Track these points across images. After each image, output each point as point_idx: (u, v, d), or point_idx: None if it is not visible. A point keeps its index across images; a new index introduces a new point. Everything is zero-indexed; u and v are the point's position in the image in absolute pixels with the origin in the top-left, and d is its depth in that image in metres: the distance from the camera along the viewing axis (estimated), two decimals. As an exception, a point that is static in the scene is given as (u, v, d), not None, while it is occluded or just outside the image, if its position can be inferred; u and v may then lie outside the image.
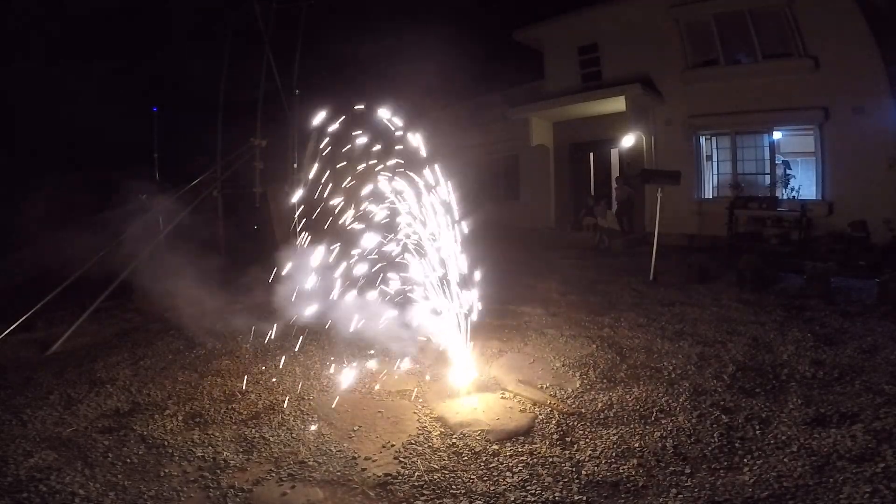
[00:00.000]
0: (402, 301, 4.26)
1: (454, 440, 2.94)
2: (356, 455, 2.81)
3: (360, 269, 4.11)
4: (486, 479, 2.56)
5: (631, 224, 11.17)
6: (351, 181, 4.04)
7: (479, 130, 14.03)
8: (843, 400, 3.23)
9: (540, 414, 3.25)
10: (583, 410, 3.28)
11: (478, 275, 3.92)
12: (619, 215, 11.09)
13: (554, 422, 3.14)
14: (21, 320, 4.88)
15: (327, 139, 4.03)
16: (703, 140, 11.06)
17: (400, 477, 2.59)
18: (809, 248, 8.56)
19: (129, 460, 2.77)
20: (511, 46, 14.36)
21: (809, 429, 2.87)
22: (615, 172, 12.70)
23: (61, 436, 3.05)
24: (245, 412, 3.37)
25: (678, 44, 10.97)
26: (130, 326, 5.48)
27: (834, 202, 9.24)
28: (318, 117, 3.97)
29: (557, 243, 11.49)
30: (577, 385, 3.68)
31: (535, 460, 2.71)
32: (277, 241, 5.54)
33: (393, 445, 2.91)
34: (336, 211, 4.14)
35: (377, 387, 3.75)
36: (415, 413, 3.32)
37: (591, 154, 13.10)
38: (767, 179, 10.26)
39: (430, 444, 2.92)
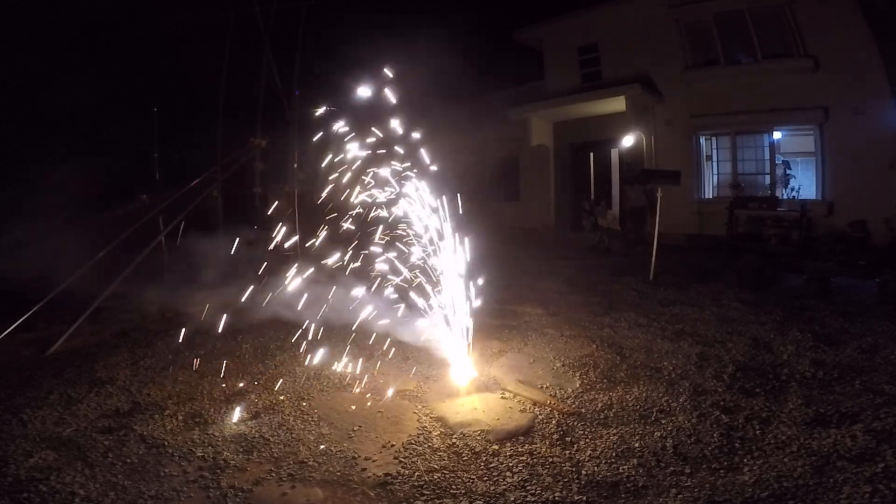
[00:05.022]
0: (403, 301, 4.26)
1: (454, 440, 2.94)
2: (356, 455, 2.81)
3: (363, 271, 4.13)
4: (486, 479, 2.56)
5: (637, 232, 10.53)
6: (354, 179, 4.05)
7: (479, 130, 14.02)
8: (843, 400, 3.23)
9: (540, 414, 3.25)
10: (583, 410, 3.28)
11: (479, 277, 3.92)
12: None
13: (554, 422, 3.14)
14: (21, 320, 4.88)
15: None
16: (703, 140, 11.06)
17: (400, 477, 2.59)
18: (809, 248, 8.56)
19: (129, 460, 2.77)
20: (511, 46, 14.38)
21: (809, 429, 2.87)
22: (615, 172, 12.69)
23: (61, 436, 3.05)
24: (245, 412, 3.37)
25: (678, 44, 10.97)
26: (130, 326, 5.47)
27: (834, 202, 9.25)
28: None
29: (557, 243, 11.49)
30: (577, 385, 3.68)
31: (535, 460, 2.71)
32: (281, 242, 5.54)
33: (393, 445, 2.91)
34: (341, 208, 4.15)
35: (377, 387, 3.75)
36: (415, 413, 3.32)
37: (591, 154, 13.10)
38: (767, 179, 10.27)
39: (430, 444, 2.92)
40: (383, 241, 4.05)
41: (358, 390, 3.72)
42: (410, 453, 2.82)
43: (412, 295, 4.08)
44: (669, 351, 4.28)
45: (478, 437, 2.95)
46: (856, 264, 7.52)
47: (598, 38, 12.39)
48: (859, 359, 3.92)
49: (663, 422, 3.07)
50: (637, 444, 2.81)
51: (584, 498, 2.37)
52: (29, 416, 3.29)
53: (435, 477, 2.58)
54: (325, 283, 4.64)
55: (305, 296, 4.67)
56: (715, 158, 11.09)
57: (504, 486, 2.48)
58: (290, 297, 4.63)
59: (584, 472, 2.57)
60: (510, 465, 2.67)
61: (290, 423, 3.20)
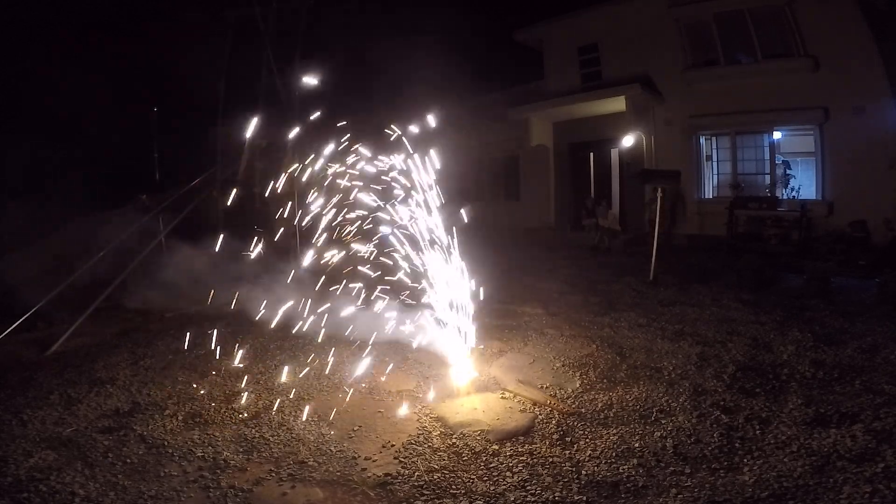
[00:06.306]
0: (403, 302, 4.26)
1: (454, 440, 2.94)
2: (356, 455, 2.81)
3: (362, 270, 4.13)
4: (486, 479, 2.56)
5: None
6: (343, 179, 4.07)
7: (479, 130, 14.03)
8: (843, 400, 3.23)
9: (540, 414, 3.25)
10: (583, 410, 3.28)
11: (479, 277, 3.92)
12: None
13: (554, 422, 3.14)
14: (21, 320, 4.88)
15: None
16: (703, 140, 11.06)
17: (400, 477, 2.59)
18: (809, 248, 8.56)
19: (129, 460, 2.77)
20: (511, 46, 14.40)
21: (809, 429, 2.87)
22: (615, 172, 12.68)
23: (61, 436, 3.05)
24: (245, 412, 3.37)
25: (678, 44, 10.97)
26: (130, 326, 5.47)
27: (834, 202, 9.24)
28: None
29: (557, 243, 11.48)
30: (577, 385, 3.68)
31: (535, 460, 2.71)
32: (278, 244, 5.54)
33: (393, 445, 2.91)
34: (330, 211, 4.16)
35: (377, 387, 3.75)
36: (415, 413, 3.32)
37: (591, 154, 13.10)
38: (767, 179, 10.26)
39: (430, 444, 2.92)
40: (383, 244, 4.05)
41: (358, 390, 3.72)
42: (410, 453, 2.82)
43: (412, 296, 4.08)
44: (669, 351, 4.28)
45: (478, 437, 2.95)
46: (856, 264, 7.52)
47: (598, 38, 12.38)
48: (859, 359, 3.92)
49: (663, 422, 3.07)
50: (637, 444, 2.81)
51: (584, 498, 2.37)
52: (29, 416, 3.29)
53: (435, 477, 2.58)
54: (324, 284, 4.64)
55: (305, 296, 4.67)
56: (715, 158, 11.08)
57: (504, 486, 2.48)
58: (290, 298, 4.63)
59: (584, 472, 2.57)
60: (510, 465, 2.67)
61: (290, 423, 3.20)
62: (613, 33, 11.98)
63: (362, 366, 4.07)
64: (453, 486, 2.50)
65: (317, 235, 4.24)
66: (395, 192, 3.87)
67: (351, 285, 4.41)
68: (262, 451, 2.87)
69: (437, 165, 3.77)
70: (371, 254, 4.08)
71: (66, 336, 4.87)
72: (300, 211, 4.52)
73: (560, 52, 13.13)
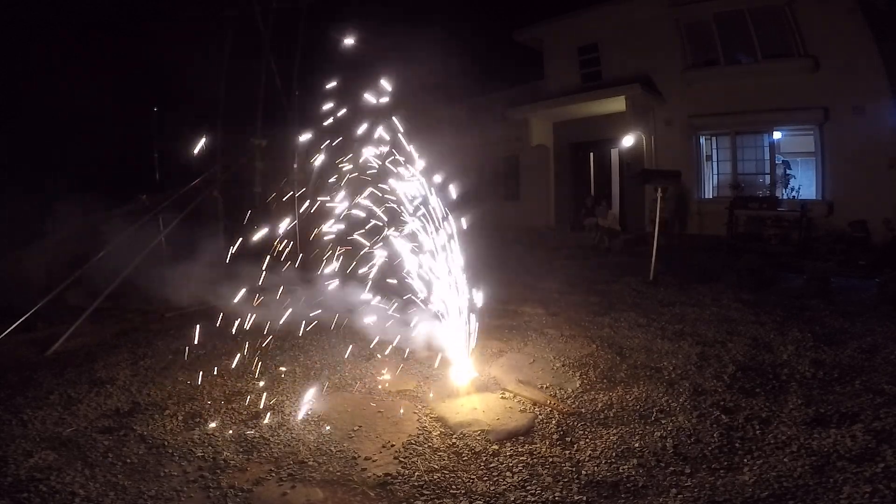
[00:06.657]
0: (403, 301, 4.26)
1: (454, 440, 2.94)
2: (356, 455, 2.81)
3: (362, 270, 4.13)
4: (486, 479, 2.55)
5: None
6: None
7: (479, 130, 14.04)
8: (843, 400, 3.23)
9: (540, 414, 3.25)
10: (583, 410, 3.28)
11: (479, 277, 3.92)
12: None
13: (554, 422, 3.14)
14: (21, 320, 4.88)
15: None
16: (703, 140, 11.07)
17: (400, 477, 2.59)
18: (809, 248, 8.57)
19: (129, 460, 2.77)
20: (511, 46, 14.41)
21: (809, 429, 2.87)
22: (615, 172, 12.68)
23: (61, 436, 3.05)
24: (245, 412, 3.36)
25: (678, 44, 10.98)
26: (130, 326, 5.47)
27: (834, 202, 9.25)
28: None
29: (557, 243, 11.49)
30: (577, 385, 3.68)
31: (535, 460, 2.71)
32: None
33: (393, 445, 2.91)
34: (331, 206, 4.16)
35: (377, 387, 3.75)
36: (415, 413, 3.32)
37: (591, 154, 13.11)
38: (767, 179, 10.28)
39: (430, 444, 2.92)
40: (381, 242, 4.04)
41: (358, 390, 3.72)
42: (410, 453, 2.82)
43: (412, 295, 4.08)
44: (669, 351, 4.28)
45: (478, 437, 2.95)
46: (856, 264, 7.53)
47: (598, 38, 12.40)
48: (859, 359, 3.92)
49: (663, 422, 3.07)
50: (637, 444, 2.81)
51: (584, 498, 2.37)
52: (29, 416, 3.29)
53: (435, 477, 2.58)
54: (323, 283, 4.63)
55: (303, 296, 4.67)
56: (715, 158, 11.10)
57: (504, 486, 2.48)
58: (288, 297, 4.63)
59: (584, 472, 2.57)
60: (510, 465, 2.67)
61: (290, 423, 3.20)
62: (613, 33, 11.99)
63: (362, 365, 4.07)
64: (453, 486, 2.49)
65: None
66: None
67: (350, 285, 4.41)
68: (262, 451, 2.87)
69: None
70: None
71: (66, 336, 4.87)
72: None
73: (560, 51, 13.14)
